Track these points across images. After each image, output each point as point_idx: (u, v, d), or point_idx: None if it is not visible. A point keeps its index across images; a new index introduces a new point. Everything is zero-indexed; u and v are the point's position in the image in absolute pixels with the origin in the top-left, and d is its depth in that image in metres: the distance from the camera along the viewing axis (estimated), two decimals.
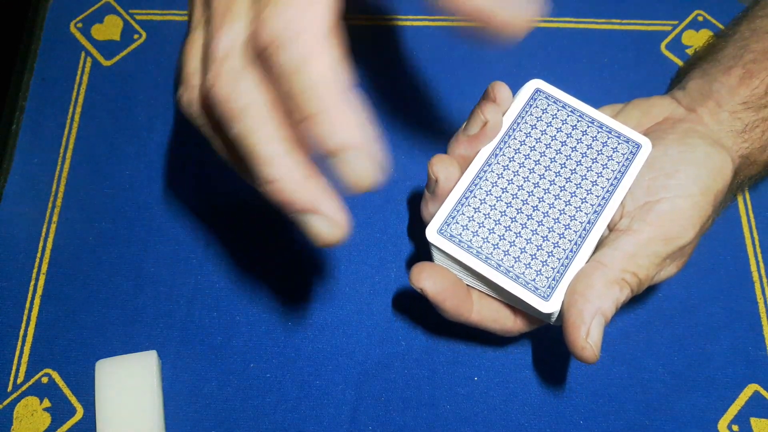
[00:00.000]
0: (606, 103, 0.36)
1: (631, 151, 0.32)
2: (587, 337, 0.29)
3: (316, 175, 0.23)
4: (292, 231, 0.40)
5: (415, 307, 0.39)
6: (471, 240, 0.30)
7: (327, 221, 0.23)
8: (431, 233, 0.31)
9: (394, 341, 0.38)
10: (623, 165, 0.32)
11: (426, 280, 0.30)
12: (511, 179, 0.32)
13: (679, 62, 0.46)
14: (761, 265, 0.40)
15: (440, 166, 0.31)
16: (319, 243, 0.24)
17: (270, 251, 0.40)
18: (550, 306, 0.29)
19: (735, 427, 0.36)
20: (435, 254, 0.32)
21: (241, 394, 0.37)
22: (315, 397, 0.37)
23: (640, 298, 0.39)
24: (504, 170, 0.32)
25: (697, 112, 0.35)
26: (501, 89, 0.32)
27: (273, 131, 0.23)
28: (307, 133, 0.22)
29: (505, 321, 0.33)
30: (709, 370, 0.37)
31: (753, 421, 0.36)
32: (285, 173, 0.23)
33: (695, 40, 0.46)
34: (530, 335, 0.38)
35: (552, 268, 0.30)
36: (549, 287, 0.30)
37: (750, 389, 0.37)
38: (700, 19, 0.47)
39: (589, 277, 0.30)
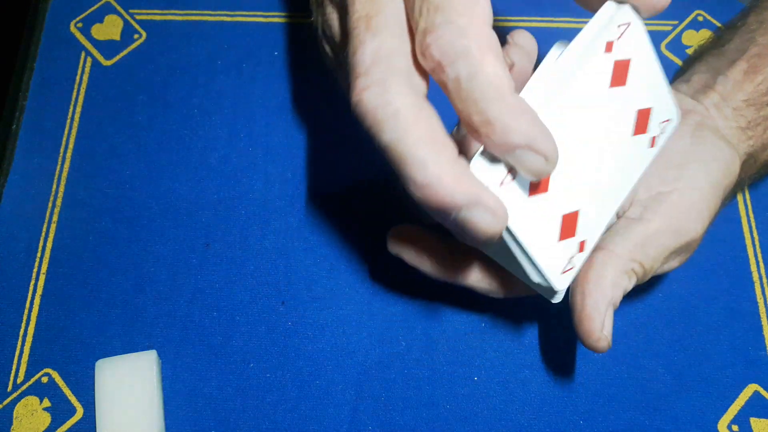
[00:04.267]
0: None
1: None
2: (602, 328, 0.29)
3: (468, 173, 0.22)
4: (292, 231, 0.40)
5: (415, 308, 0.39)
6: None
7: (489, 212, 0.22)
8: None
9: (394, 341, 0.38)
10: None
11: (401, 246, 0.32)
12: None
13: (679, 62, 0.45)
14: (761, 265, 0.40)
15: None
16: (482, 238, 0.23)
17: (270, 251, 0.40)
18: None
19: (735, 427, 0.36)
20: None
21: (241, 394, 0.37)
22: (315, 397, 0.37)
23: (640, 298, 0.39)
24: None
25: (704, 104, 0.34)
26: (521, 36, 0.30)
27: (424, 133, 0.22)
28: (486, 138, 0.22)
29: (492, 281, 0.32)
30: (709, 370, 0.37)
31: (753, 421, 0.36)
32: (440, 174, 0.22)
33: (695, 40, 0.46)
34: (529, 334, 0.38)
35: None
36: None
37: (750, 389, 0.37)
38: (700, 19, 0.47)
39: (602, 267, 0.29)
